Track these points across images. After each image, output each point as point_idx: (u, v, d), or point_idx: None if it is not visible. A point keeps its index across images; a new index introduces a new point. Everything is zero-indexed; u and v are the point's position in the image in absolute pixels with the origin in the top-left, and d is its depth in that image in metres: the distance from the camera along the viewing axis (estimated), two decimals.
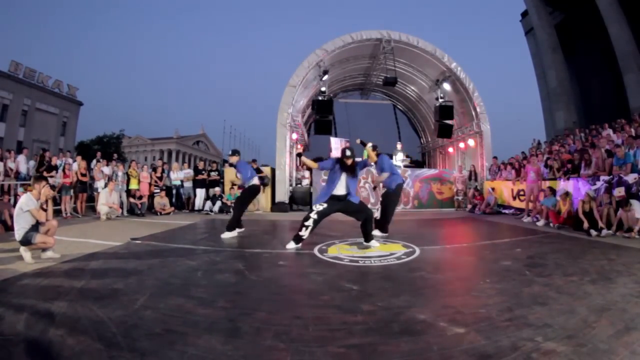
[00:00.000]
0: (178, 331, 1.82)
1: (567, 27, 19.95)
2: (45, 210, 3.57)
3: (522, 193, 8.10)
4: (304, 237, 4.09)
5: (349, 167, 4.06)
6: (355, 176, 4.17)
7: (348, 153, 4.05)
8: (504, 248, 4.28)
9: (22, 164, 7.88)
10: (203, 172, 9.50)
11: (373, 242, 4.19)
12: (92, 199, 8.13)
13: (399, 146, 11.45)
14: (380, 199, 5.38)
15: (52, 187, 3.69)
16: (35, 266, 3.14)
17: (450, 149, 12.32)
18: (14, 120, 22.85)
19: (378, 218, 5.32)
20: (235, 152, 5.36)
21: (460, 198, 9.95)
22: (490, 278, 2.86)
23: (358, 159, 4.30)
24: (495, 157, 10.24)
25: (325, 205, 4.06)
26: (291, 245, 4.07)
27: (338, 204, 4.11)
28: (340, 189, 4.11)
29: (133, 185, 8.36)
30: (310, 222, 4.04)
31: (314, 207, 4.12)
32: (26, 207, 3.41)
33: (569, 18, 19.91)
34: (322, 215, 4.09)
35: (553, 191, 6.72)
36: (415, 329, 1.87)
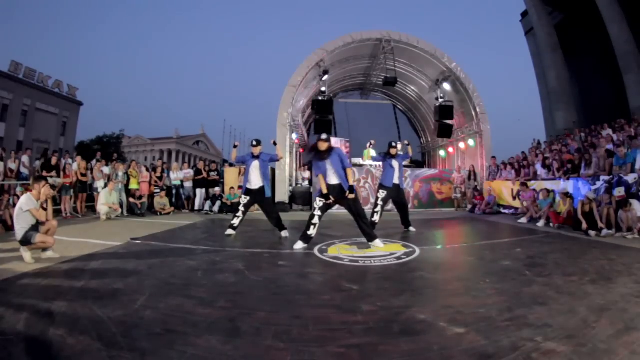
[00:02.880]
0: (178, 331, 1.82)
1: (567, 27, 19.94)
2: (45, 210, 3.57)
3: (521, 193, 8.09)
4: (312, 236, 4.11)
5: (322, 152, 4.04)
6: (337, 162, 4.07)
7: (323, 136, 4.04)
8: (504, 248, 4.27)
9: (26, 164, 7.88)
10: (202, 172, 9.50)
11: (377, 242, 4.11)
12: (92, 199, 8.13)
13: (399, 146, 11.45)
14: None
15: (52, 187, 3.68)
16: (35, 266, 3.13)
17: (450, 149, 12.33)
18: (14, 120, 22.85)
19: (377, 222, 5.37)
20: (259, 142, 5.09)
21: (458, 196, 9.94)
22: (490, 278, 2.86)
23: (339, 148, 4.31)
24: (493, 157, 10.24)
25: (322, 198, 4.10)
26: (299, 246, 4.05)
27: (335, 195, 4.10)
28: (332, 178, 4.09)
29: (133, 186, 8.36)
30: (316, 220, 4.09)
31: (314, 205, 4.17)
32: (26, 207, 3.41)
33: (569, 18, 19.90)
34: (323, 210, 4.14)
35: (549, 192, 6.74)
36: (415, 329, 1.87)
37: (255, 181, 4.96)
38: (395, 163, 5.50)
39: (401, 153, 6.00)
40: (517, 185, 8.31)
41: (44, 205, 3.57)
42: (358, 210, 4.17)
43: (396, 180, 5.52)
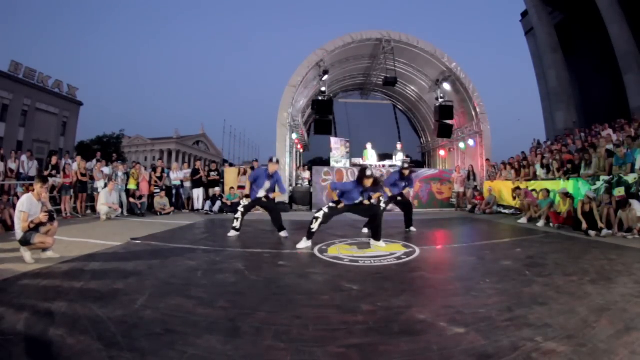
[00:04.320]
0: (178, 331, 1.82)
1: (567, 27, 19.92)
2: (31, 226, 3.42)
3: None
4: (313, 230, 4.13)
5: (367, 188, 4.19)
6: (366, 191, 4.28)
7: (368, 173, 4.16)
8: (504, 248, 4.28)
9: (25, 164, 7.88)
10: (200, 171, 9.50)
11: (380, 242, 4.18)
12: (92, 199, 8.13)
13: (399, 146, 11.46)
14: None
15: (51, 216, 3.62)
16: (35, 266, 3.13)
17: (450, 149, 12.33)
18: (14, 120, 22.83)
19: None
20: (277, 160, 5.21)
21: (454, 201, 9.94)
22: (490, 278, 2.86)
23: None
24: (487, 160, 10.24)
25: (334, 203, 4.18)
26: (302, 245, 4.09)
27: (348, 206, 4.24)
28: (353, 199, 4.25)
29: (131, 186, 8.35)
30: (320, 214, 4.14)
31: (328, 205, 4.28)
32: (21, 207, 3.38)
33: (569, 18, 19.88)
34: (331, 209, 4.20)
35: (549, 192, 6.74)
36: (415, 329, 1.87)
37: (262, 194, 5.09)
38: (401, 183, 5.60)
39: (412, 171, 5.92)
40: (516, 185, 8.33)
41: (31, 225, 3.39)
42: (378, 214, 4.32)
43: (395, 192, 5.61)
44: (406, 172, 5.50)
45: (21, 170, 7.75)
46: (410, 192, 6.27)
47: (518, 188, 8.03)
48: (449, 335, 1.79)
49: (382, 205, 5.50)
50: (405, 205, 5.73)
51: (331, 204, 4.19)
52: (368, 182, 4.10)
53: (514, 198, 8.39)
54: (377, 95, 14.48)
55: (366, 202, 4.18)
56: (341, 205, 4.16)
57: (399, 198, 5.64)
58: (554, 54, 19.67)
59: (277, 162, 5.19)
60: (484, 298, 2.36)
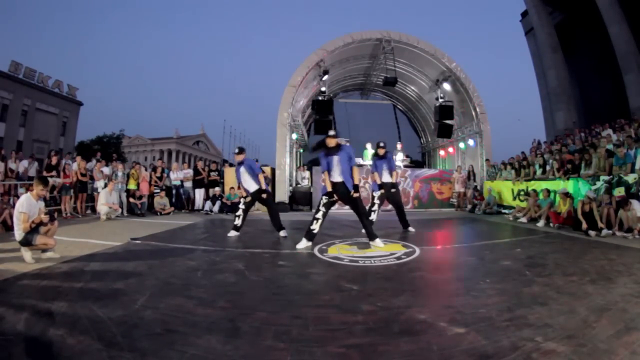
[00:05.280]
0: (178, 331, 1.82)
1: (567, 27, 19.93)
2: (32, 226, 3.40)
3: (522, 193, 8.09)
4: (315, 232, 4.11)
5: (330, 148, 4.09)
6: (345, 160, 4.12)
7: (331, 133, 4.11)
8: (504, 248, 4.28)
9: (24, 167, 7.87)
10: (201, 172, 9.51)
11: (377, 242, 4.15)
12: (92, 199, 8.13)
13: (398, 146, 11.46)
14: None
15: (51, 215, 3.62)
16: (35, 266, 3.13)
17: (450, 149, 12.33)
18: (14, 120, 22.84)
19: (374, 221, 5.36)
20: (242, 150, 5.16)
21: (454, 201, 9.94)
22: (490, 278, 2.86)
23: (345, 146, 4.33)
24: (487, 160, 10.24)
25: (327, 196, 4.12)
26: (302, 245, 4.07)
27: (338, 193, 4.14)
28: (336, 176, 4.12)
29: (131, 186, 8.36)
30: (320, 215, 4.11)
31: (320, 202, 4.21)
32: (21, 208, 3.38)
33: (569, 18, 19.89)
34: (327, 206, 4.15)
35: (549, 192, 6.73)
36: (415, 329, 1.87)
37: (252, 187, 5.07)
38: (383, 163, 5.48)
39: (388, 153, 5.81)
40: (517, 186, 8.32)
41: (32, 226, 3.38)
42: (360, 208, 4.22)
43: (386, 179, 5.50)
44: (381, 152, 5.44)
45: (19, 171, 7.73)
46: (398, 175, 6.12)
47: (535, 191, 7.41)
48: (449, 335, 1.78)
49: (377, 201, 5.49)
50: (397, 204, 5.67)
51: (324, 199, 4.14)
52: (331, 142, 4.06)
53: (514, 198, 8.39)
54: (377, 95, 14.48)
55: (355, 194, 4.10)
56: (335, 198, 4.14)
57: (392, 190, 5.54)
58: (554, 54, 19.67)
59: (241, 151, 5.12)
60: (484, 298, 2.36)
